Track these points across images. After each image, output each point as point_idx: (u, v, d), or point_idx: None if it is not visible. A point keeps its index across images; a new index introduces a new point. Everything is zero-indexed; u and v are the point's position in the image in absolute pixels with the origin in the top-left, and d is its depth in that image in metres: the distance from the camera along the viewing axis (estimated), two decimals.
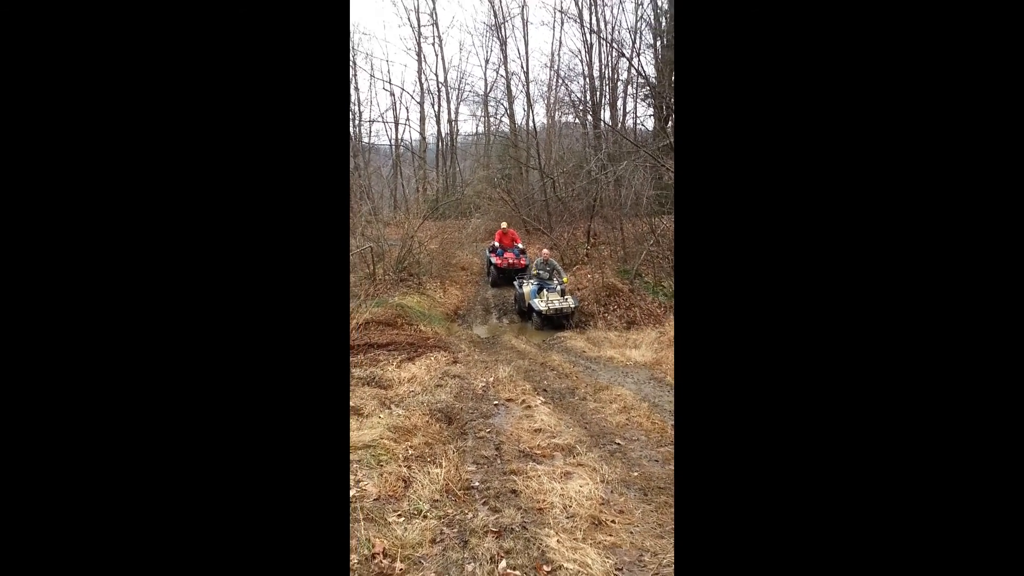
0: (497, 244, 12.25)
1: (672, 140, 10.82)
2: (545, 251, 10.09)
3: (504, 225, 12.70)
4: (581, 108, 18.29)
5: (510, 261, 11.86)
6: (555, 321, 9.03)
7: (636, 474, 3.05)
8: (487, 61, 36.52)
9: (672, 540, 2.19)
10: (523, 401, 4.50)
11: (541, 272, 9.58)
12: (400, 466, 2.85)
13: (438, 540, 2.22)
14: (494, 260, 11.99)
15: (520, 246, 12.34)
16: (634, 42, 18.89)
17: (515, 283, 10.24)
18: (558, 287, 9.33)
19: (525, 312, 9.65)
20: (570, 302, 9.06)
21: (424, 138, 23.30)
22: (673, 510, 2.43)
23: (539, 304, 8.94)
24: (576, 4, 22.16)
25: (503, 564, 2.04)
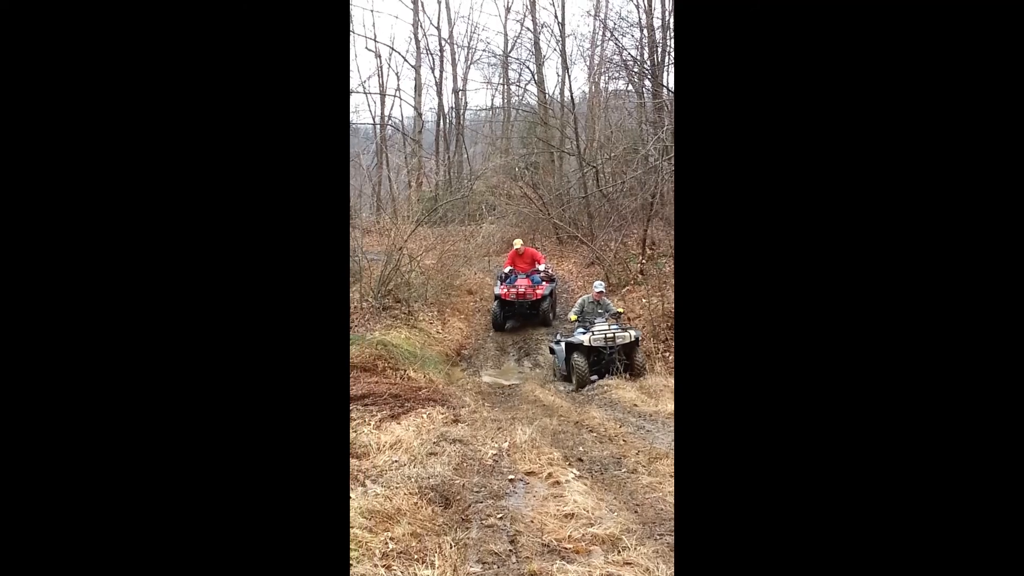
0: (507, 269, 11.76)
1: None
2: (598, 286, 9.52)
3: (518, 244, 12.19)
4: (636, 71, 18.41)
5: (519, 291, 11.12)
6: (604, 357, 8.70)
7: None
8: (508, 9, 37.30)
9: None
10: (549, 475, 4.50)
11: (588, 316, 9.14)
12: (377, 566, 2.85)
13: None
14: (498, 290, 11.41)
15: (543, 267, 11.81)
16: None
17: (552, 346, 9.56)
18: (610, 314, 9.15)
19: (566, 376, 9.08)
20: (630, 333, 8.78)
21: (420, 115, 23.74)
22: None
23: (583, 338, 8.64)
24: None
25: None
